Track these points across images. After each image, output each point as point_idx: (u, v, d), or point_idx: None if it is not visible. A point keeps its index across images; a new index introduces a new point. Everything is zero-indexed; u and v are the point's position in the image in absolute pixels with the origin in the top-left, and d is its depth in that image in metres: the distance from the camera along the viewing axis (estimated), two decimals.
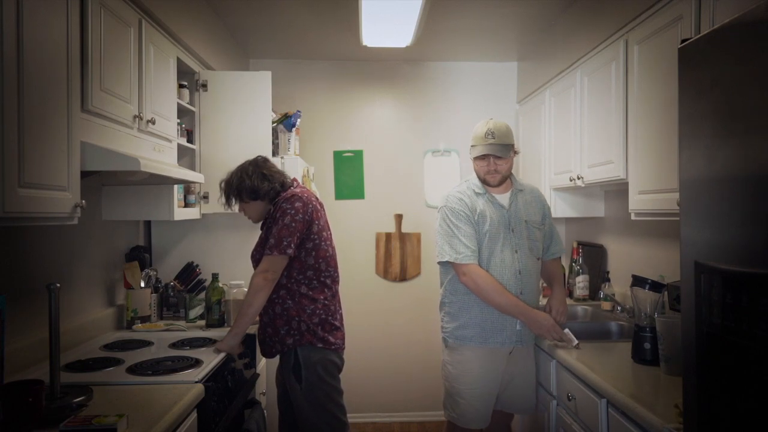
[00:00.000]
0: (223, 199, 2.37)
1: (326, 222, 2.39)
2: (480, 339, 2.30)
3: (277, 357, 2.35)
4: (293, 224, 2.19)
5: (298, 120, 3.46)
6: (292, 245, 2.18)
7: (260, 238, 2.32)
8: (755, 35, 1.06)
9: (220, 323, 2.74)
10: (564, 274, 3.56)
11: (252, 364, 2.60)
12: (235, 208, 2.40)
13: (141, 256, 2.84)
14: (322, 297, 2.27)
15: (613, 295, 2.98)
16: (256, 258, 2.30)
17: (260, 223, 2.41)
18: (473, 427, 2.33)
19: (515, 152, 2.39)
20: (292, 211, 2.20)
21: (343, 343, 2.35)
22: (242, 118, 2.97)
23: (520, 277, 2.31)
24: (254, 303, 2.19)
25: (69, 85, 1.65)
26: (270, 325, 2.27)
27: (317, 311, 2.25)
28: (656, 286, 2.09)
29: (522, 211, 2.37)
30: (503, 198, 2.37)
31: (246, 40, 3.62)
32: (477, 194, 2.36)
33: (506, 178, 2.38)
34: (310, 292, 2.26)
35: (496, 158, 2.30)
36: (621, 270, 3.07)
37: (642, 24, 2.25)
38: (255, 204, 2.33)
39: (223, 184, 2.37)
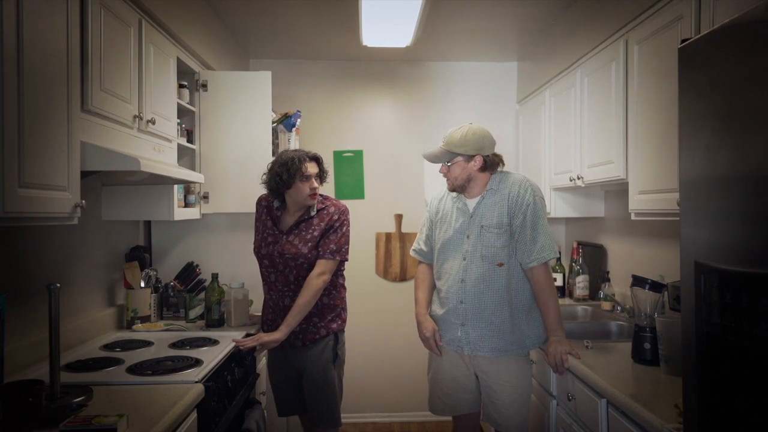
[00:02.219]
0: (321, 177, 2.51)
1: None
2: (440, 334, 2.34)
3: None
4: (348, 233, 2.50)
5: (298, 120, 3.46)
6: (349, 251, 2.51)
7: (307, 238, 2.42)
8: (755, 35, 1.06)
9: (220, 323, 2.74)
10: (564, 279, 3.58)
11: (252, 364, 2.60)
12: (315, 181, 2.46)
13: (141, 256, 2.84)
14: (345, 282, 2.59)
15: (613, 295, 2.98)
16: (308, 256, 2.41)
17: (281, 221, 2.51)
18: (436, 413, 2.41)
19: (490, 158, 2.23)
20: (347, 223, 2.51)
21: None
22: (242, 118, 2.97)
23: (462, 286, 2.23)
24: (312, 302, 2.40)
25: (69, 85, 1.66)
26: (317, 315, 2.44)
27: (345, 295, 2.57)
28: (656, 286, 2.09)
29: (484, 216, 2.24)
30: (472, 203, 2.28)
31: (246, 40, 3.62)
32: (453, 197, 2.35)
33: (463, 187, 2.26)
34: (343, 281, 2.57)
35: (446, 165, 2.26)
36: (621, 270, 3.07)
37: (642, 24, 2.25)
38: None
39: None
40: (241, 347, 2.32)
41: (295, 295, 2.42)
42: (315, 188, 2.42)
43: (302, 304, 2.36)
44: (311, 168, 2.42)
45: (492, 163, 2.26)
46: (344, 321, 2.54)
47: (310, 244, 2.42)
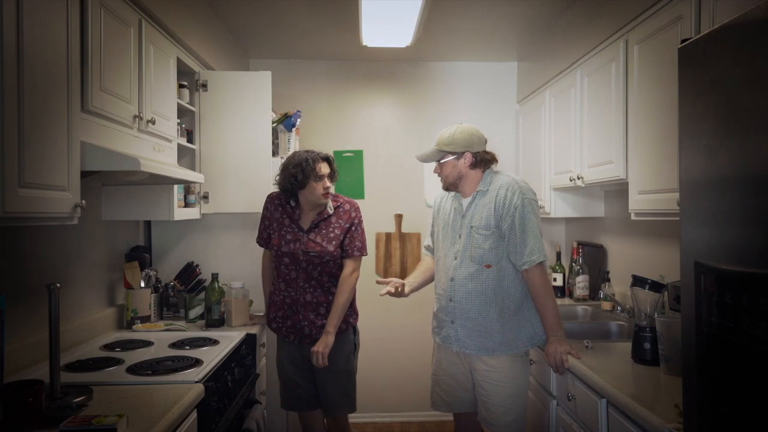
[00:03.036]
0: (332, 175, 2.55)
1: None
2: (434, 332, 2.39)
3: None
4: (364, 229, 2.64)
5: (298, 120, 3.46)
6: None
7: (330, 237, 2.51)
8: (755, 35, 1.06)
9: (220, 323, 2.74)
10: (564, 279, 3.58)
11: (252, 364, 2.60)
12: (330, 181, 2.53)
13: (141, 256, 2.84)
14: None
15: (613, 295, 2.98)
16: (334, 254, 2.50)
17: (280, 219, 2.57)
18: (436, 409, 2.44)
19: (480, 155, 2.25)
20: (362, 218, 2.63)
21: None
22: (242, 118, 2.97)
23: (452, 285, 2.26)
24: (350, 299, 2.55)
25: (69, 85, 1.65)
26: (326, 316, 2.50)
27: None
28: (656, 286, 2.09)
29: (474, 216, 2.25)
30: (466, 202, 2.30)
31: (246, 40, 3.62)
32: (452, 196, 2.38)
33: (455, 185, 2.29)
34: None
35: (438, 164, 2.30)
36: (621, 270, 3.07)
37: (642, 24, 2.25)
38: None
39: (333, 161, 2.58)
40: (321, 365, 2.43)
41: (316, 291, 2.50)
42: (328, 187, 2.50)
43: (343, 303, 2.49)
44: (324, 168, 2.49)
45: (483, 160, 2.27)
46: (357, 315, 2.68)
47: (334, 242, 2.51)
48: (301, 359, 2.55)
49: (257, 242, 2.68)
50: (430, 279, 2.49)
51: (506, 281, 2.22)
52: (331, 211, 2.54)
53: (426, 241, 2.57)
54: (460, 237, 2.28)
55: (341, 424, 2.61)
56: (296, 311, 2.51)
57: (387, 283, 2.43)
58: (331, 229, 2.53)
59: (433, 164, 2.36)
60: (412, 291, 2.48)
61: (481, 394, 2.26)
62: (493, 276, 2.21)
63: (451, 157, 2.26)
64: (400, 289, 2.42)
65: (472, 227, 2.25)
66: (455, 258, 2.27)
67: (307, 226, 2.53)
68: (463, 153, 2.25)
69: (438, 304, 2.35)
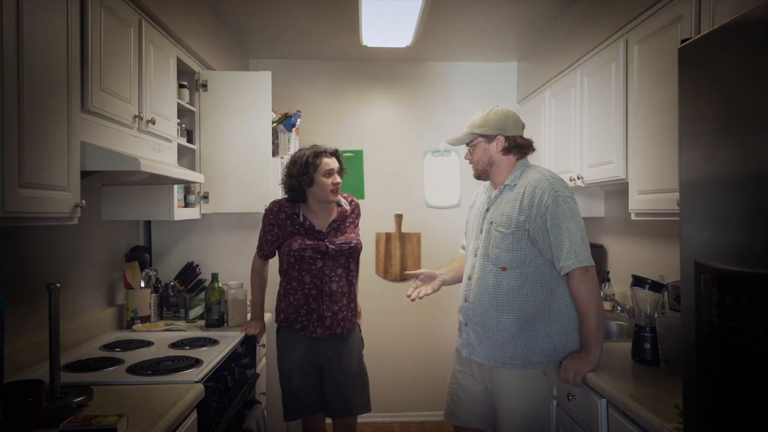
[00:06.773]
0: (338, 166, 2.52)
1: None
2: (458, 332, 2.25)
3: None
4: None
5: (298, 120, 3.46)
6: None
7: (349, 230, 2.57)
8: (755, 35, 1.06)
9: (220, 323, 2.74)
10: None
11: (252, 364, 2.60)
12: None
13: (141, 256, 2.84)
14: None
15: (613, 295, 2.98)
16: (359, 239, 2.59)
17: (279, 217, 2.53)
18: (445, 419, 2.29)
19: (515, 140, 2.07)
20: None
21: None
22: (242, 118, 2.97)
23: (469, 284, 2.11)
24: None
25: (69, 85, 1.65)
26: (347, 308, 2.55)
27: None
28: (656, 286, 2.09)
29: (496, 211, 2.07)
30: (494, 195, 2.13)
31: (246, 40, 3.62)
32: (486, 188, 2.25)
33: (485, 172, 2.13)
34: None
35: (468, 148, 2.15)
36: (621, 270, 3.07)
37: (642, 24, 2.25)
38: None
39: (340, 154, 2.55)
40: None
41: (341, 280, 2.51)
42: (337, 183, 2.47)
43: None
44: (332, 163, 2.47)
45: (518, 146, 2.08)
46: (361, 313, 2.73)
47: (353, 234, 2.59)
48: (309, 362, 2.47)
49: (258, 255, 2.59)
50: (459, 278, 2.29)
51: (526, 288, 1.99)
52: (347, 207, 2.57)
53: (463, 240, 2.41)
54: (481, 232, 2.12)
55: (350, 424, 2.57)
56: (321, 302, 2.44)
57: (416, 275, 2.31)
58: (347, 224, 2.58)
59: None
60: (444, 284, 2.32)
61: (494, 407, 2.11)
62: (510, 280, 2.00)
63: (481, 140, 2.08)
64: (433, 287, 2.26)
65: (492, 223, 2.06)
66: (475, 255, 2.12)
67: (325, 229, 2.49)
68: (495, 136, 2.07)
69: (459, 303, 2.20)
